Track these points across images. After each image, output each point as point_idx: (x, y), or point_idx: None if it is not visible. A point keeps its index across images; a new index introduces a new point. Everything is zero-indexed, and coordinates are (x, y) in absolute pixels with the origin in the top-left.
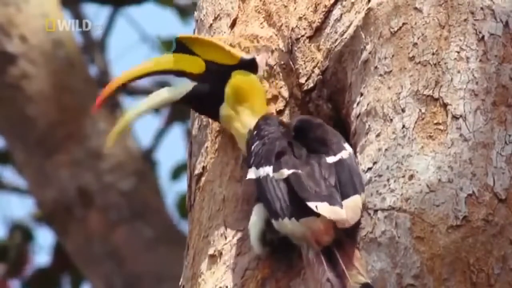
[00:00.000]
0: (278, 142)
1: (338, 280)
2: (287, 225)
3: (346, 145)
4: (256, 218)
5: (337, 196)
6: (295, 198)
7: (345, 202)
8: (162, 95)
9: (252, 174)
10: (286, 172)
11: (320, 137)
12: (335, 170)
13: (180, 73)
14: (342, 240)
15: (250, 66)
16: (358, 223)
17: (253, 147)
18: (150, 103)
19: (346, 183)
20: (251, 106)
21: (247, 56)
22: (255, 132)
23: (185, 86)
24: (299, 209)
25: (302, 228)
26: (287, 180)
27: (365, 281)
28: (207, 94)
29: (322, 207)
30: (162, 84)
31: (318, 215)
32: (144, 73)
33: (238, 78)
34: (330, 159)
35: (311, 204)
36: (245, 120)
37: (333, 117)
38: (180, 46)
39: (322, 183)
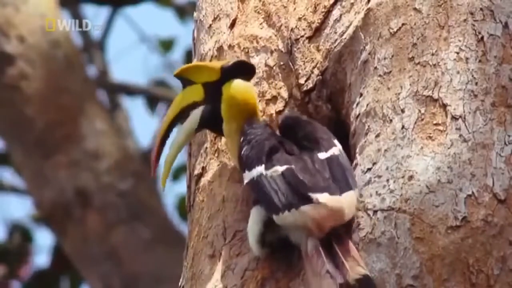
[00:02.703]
0: (267, 142)
1: (338, 271)
2: (288, 217)
3: (336, 142)
4: (254, 220)
5: (334, 187)
6: (293, 190)
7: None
8: (183, 132)
9: (246, 178)
10: (279, 168)
11: (310, 134)
12: (328, 166)
13: (190, 107)
14: (340, 233)
15: (237, 70)
16: (352, 218)
17: (242, 152)
18: (178, 146)
19: (339, 179)
20: (241, 122)
21: (228, 63)
22: (242, 138)
23: (195, 114)
24: (298, 199)
25: (303, 217)
26: (282, 175)
27: (364, 272)
28: (211, 114)
29: (323, 198)
30: (159, 83)
31: (317, 202)
32: (168, 127)
33: (227, 95)
34: (322, 155)
35: (312, 195)
36: (237, 138)
37: (332, 117)
38: (182, 80)
39: (317, 175)
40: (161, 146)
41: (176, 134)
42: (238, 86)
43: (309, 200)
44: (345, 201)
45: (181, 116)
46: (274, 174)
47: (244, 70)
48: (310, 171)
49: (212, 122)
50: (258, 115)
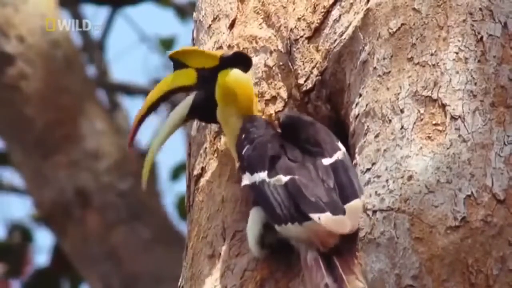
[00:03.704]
0: (269, 145)
1: (336, 285)
2: (291, 229)
3: (340, 144)
4: (253, 221)
5: (338, 202)
6: (296, 205)
7: (346, 206)
8: (173, 118)
9: (246, 180)
10: (283, 178)
11: (313, 137)
12: (333, 172)
13: (179, 90)
14: (341, 246)
15: (236, 61)
16: (357, 228)
17: (243, 152)
18: (166, 132)
19: (345, 186)
20: (237, 108)
21: (228, 53)
22: (243, 135)
23: (187, 100)
24: (301, 213)
25: (306, 232)
26: (285, 186)
27: (363, 286)
28: (203, 100)
29: (325, 219)
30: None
31: (319, 222)
32: (151, 104)
33: (222, 80)
34: (326, 161)
35: (314, 216)
36: (233, 123)
37: (332, 117)
38: (175, 62)
39: (321, 186)
40: (138, 125)
41: (163, 123)
42: (236, 74)
43: (311, 219)
44: (348, 217)
45: (167, 97)
46: (277, 184)
47: (242, 62)
48: (314, 181)
49: (204, 109)
50: (254, 107)
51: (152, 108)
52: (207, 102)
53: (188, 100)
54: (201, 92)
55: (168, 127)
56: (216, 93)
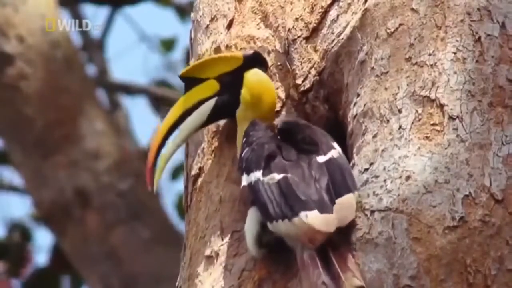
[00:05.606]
0: (266, 145)
1: (333, 283)
2: (281, 226)
3: (335, 144)
4: (251, 221)
5: (327, 201)
6: (286, 202)
7: (338, 201)
8: (190, 124)
9: (244, 181)
10: (276, 176)
11: (309, 137)
12: (326, 169)
13: (200, 104)
14: (337, 242)
15: (256, 61)
16: (352, 223)
17: (243, 154)
18: (181, 137)
19: (338, 182)
20: (258, 109)
21: (248, 52)
22: (244, 139)
23: (206, 106)
24: (291, 210)
25: (295, 228)
26: (278, 184)
27: (360, 284)
28: (227, 102)
29: (311, 216)
30: (160, 82)
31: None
32: (168, 129)
33: (249, 80)
34: (321, 159)
35: (301, 214)
36: (245, 128)
37: (330, 118)
38: (188, 81)
39: (312, 185)
40: (157, 153)
41: (181, 128)
42: (262, 74)
43: (298, 215)
44: (338, 214)
45: (185, 118)
46: (271, 182)
47: (260, 62)
48: (306, 180)
49: (226, 110)
50: (274, 110)
51: (169, 135)
52: (231, 104)
53: (207, 106)
54: (224, 96)
55: (183, 134)
56: (242, 93)
